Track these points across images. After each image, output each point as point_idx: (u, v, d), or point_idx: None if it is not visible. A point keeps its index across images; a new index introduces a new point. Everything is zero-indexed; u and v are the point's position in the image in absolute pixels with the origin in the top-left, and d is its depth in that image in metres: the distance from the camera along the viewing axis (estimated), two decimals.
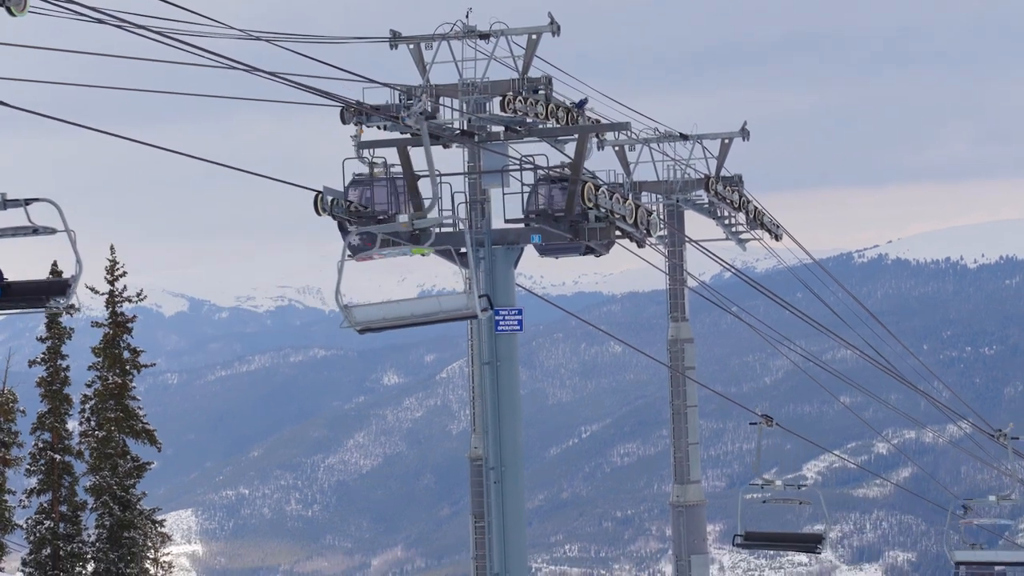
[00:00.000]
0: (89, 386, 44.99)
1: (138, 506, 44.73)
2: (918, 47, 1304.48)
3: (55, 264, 44.84)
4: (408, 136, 25.12)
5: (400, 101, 25.95)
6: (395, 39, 26.61)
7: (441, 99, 26.48)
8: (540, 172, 24.76)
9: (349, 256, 18.60)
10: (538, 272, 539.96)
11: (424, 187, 25.21)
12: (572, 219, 24.29)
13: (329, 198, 24.44)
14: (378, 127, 25.84)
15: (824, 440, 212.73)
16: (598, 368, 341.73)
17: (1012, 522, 45.63)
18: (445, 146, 25.45)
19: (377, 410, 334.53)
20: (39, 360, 44.67)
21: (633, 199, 25.01)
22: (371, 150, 25.33)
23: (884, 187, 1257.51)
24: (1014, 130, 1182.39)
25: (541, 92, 26.59)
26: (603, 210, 24.05)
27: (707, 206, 39.18)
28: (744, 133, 38.78)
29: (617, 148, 37.10)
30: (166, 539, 48.27)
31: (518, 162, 24.81)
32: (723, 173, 38.68)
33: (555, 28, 26.44)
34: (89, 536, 44.38)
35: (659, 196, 38.02)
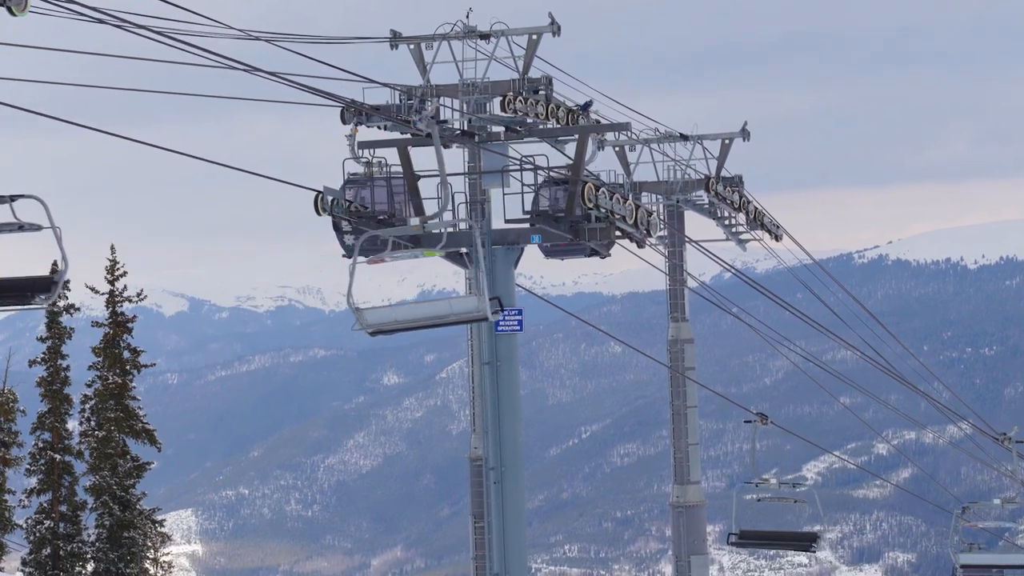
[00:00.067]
0: (89, 386, 45.00)
1: (138, 506, 44.73)
2: (918, 47, 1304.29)
3: (55, 264, 44.88)
4: (408, 136, 25.12)
5: (400, 101, 25.95)
6: (395, 39, 26.61)
7: (441, 99, 26.48)
8: (546, 173, 24.75)
9: (361, 260, 18.62)
10: (538, 272, 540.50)
11: (424, 187, 25.21)
12: (572, 219, 24.29)
13: (329, 198, 24.44)
14: (378, 127, 25.85)
15: (824, 441, 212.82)
16: (598, 368, 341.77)
17: (1014, 524, 45.48)
18: (445, 146, 25.44)
19: (377, 410, 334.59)
20: (39, 360, 44.68)
21: (633, 199, 24.99)
22: (372, 150, 25.31)
23: (884, 187, 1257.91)
24: (1014, 130, 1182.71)
25: (541, 92, 26.59)
26: (603, 210, 24.05)
27: (707, 206, 39.18)
28: (744, 133, 38.79)
29: (617, 148, 37.10)
30: (166, 539, 48.26)
31: (518, 162, 24.81)
32: (723, 173, 38.68)
33: (555, 28, 26.44)
34: (89, 536, 44.38)
35: (659, 196, 38.01)
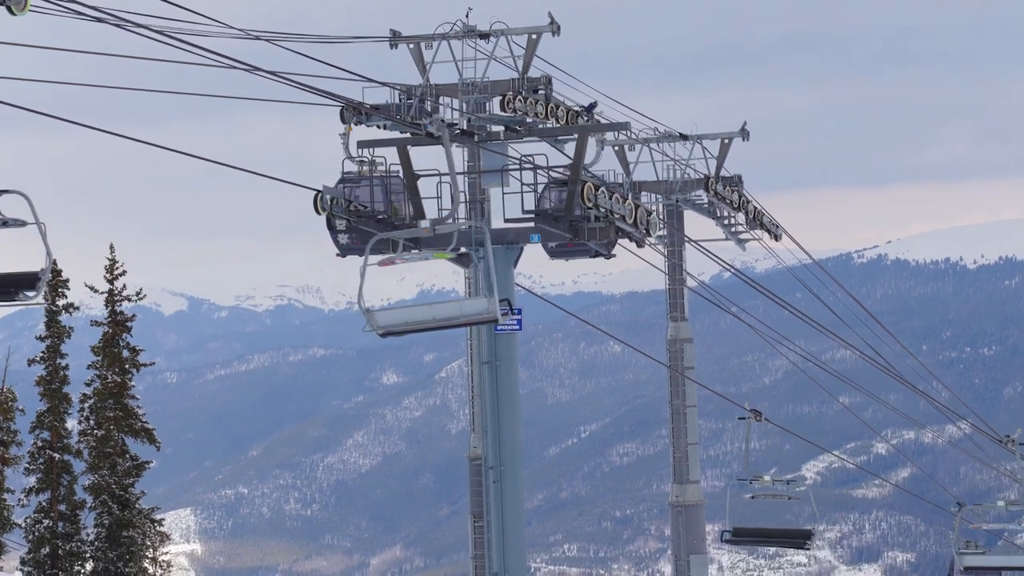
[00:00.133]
0: (88, 385, 45.00)
1: (137, 505, 44.72)
2: (918, 47, 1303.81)
3: (54, 263, 44.89)
4: (408, 136, 25.11)
5: (400, 101, 25.95)
6: (395, 39, 26.62)
7: (441, 99, 26.49)
8: (546, 173, 24.76)
9: (372, 262, 18.72)
10: (537, 272, 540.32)
11: (423, 187, 25.18)
12: (572, 219, 24.30)
13: (328, 197, 24.44)
14: (378, 126, 25.85)
15: (823, 440, 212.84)
16: (597, 368, 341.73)
17: (1019, 527, 45.32)
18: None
19: (376, 409, 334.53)
20: (38, 359, 44.68)
21: (633, 199, 24.98)
22: (372, 149, 25.30)
23: (884, 187, 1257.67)
24: (1014, 130, 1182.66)
25: (541, 92, 26.60)
26: (603, 210, 24.05)
27: (707, 206, 39.19)
28: (744, 133, 38.81)
29: (617, 148, 37.10)
30: (165, 538, 48.25)
31: (518, 162, 24.81)
32: (723, 173, 38.69)
33: (555, 28, 26.46)
34: (88, 535, 44.38)
35: (659, 196, 38.01)
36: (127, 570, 44.00)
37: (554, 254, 26.29)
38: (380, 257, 19.69)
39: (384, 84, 25.09)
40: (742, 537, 36.05)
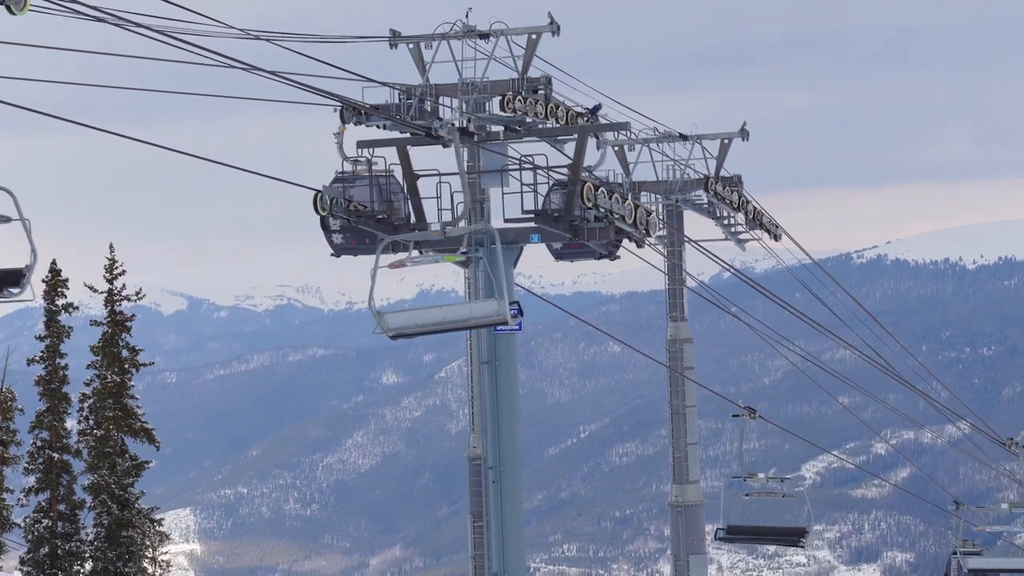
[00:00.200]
0: (88, 385, 45.00)
1: (136, 505, 44.72)
2: (918, 47, 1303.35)
3: (54, 262, 44.91)
4: (408, 136, 25.11)
5: (400, 101, 25.96)
6: (395, 39, 26.61)
7: (441, 99, 26.49)
8: (546, 173, 24.77)
9: (383, 264, 18.79)
10: (537, 272, 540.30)
11: (423, 188, 25.19)
12: (571, 219, 24.29)
13: (328, 197, 24.44)
14: (378, 126, 25.86)
15: (823, 440, 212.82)
16: (597, 368, 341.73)
17: (1018, 528, 45.44)
18: (444, 145, 25.45)
19: (376, 409, 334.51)
20: (38, 358, 44.67)
21: (632, 199, 24.98)
22: (371, 149, 25.30)
23: (884, 187, 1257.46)
24: (1014, 130, 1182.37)
25: (540, 92, 26.61)
26: (602, 210, 24.05)
27: (706, 206, 39.18)
28: (743, 133, 38.80)
29: (616, 148, 37.08)
30: (164, 538, 48.26)
31: (517, 162, 24.81)
32: (722, 173, 38.69)
33: (555, 28, 26.46)
34: (87, 535, 44.38)
35: (658, 196, 38.00)
36: (126, 570, 43.99)
37: (559, 256, 26.32)
38: (390, 260, 19.79)
39: (384, 84, 25.10)
40: (736, 535, 36.10)
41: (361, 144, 24.86)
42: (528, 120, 26.26)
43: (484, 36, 26.28)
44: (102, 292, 45.06)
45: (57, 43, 17.38)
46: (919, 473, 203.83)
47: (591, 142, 24.66)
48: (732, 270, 35.77)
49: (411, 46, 26.50)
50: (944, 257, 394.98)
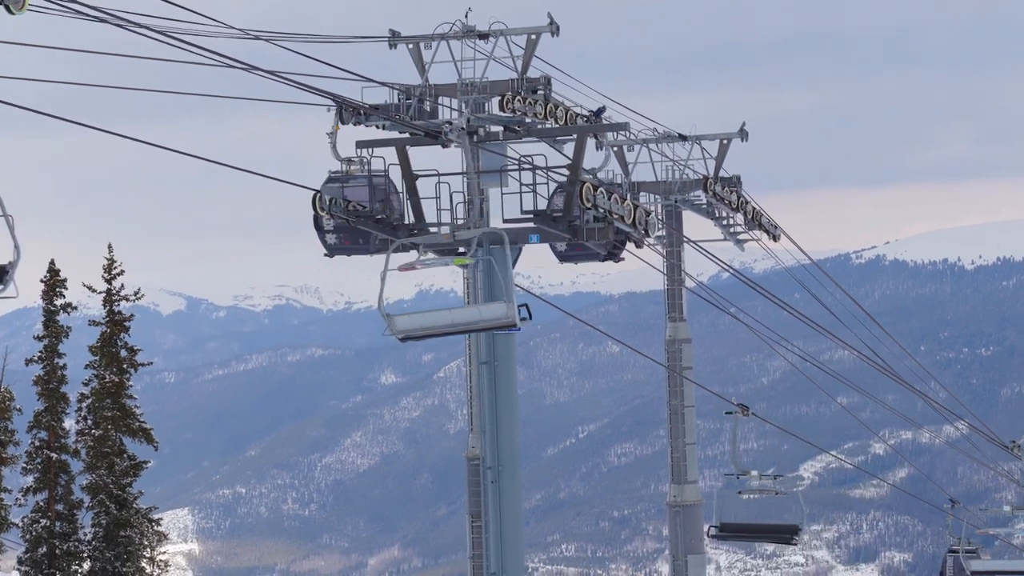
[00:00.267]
0: (86, 384, 45.00)
1: (134, 505, 44.72)
2: (918, 47, 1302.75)
3: (52, 262, 44.90)
4: (407, 136, 25.10)
5: (399, 101, 25.94)
6: (394, 39, 26.60)
7: (440, 99, 26.48)
8: (545, 174, 24.76)
9: (393, 267, 18.83)
10: (536, 272, 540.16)
11: (423, 189, 25.19)
12: (571, 219, 24.29)
13: (328, 197, 24.43)
14: (376, 126, 25.85)
15: (821, 440, 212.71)
16: (596, 368, 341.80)
17: (1013, 529, 45.63)
18: (444, 146, 25.46)
19: (374, 409, 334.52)
20: (36, 358, 44.67)
21: (631, 199, 24.98)
22: (370, 149, 25.29)
23: (884, 187, 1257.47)
24: (1014, 130, 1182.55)
25: (540, 92, 26.59)
26: (601, 210, 24.05)
27: (705, 207, 39.19)
28: (742, 134, 38.82)
29: (616, 148, 37.08)
30: (162, 538, 48.25)
31: (517, 162, 24.81)
32: (721, 174, 38.70)
33: (554, 28, 26.44)
34: (85, 535, 44.38)
35: (657, 196, 38.02)
36: (124, 570, 43.99)
37: (563, 258, 26.31)
38: (401, 262, 19.84)
39: (383, 84, 25.09)
40: (729, 532, 36.13)
41: (360, 144, 24.86)
42: (527, 120, 26.24)
43: (483, 36, 26.27)
44: (100, 292, 45.07)
45: (57, 43, 17.39)
46: (917, 473, 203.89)
47: (590, 143, 24.66)
48: (731, 270, 35.78)
49: (410, 46, 26.49)
50: (943, 257, 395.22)
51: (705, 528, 37.37)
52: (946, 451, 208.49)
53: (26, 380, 45.36)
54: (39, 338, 44.90)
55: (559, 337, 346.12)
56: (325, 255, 25.22)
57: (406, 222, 24.86)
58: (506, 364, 25.45)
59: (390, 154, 24.98)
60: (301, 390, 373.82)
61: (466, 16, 26.22)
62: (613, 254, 25.56)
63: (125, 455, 44.69)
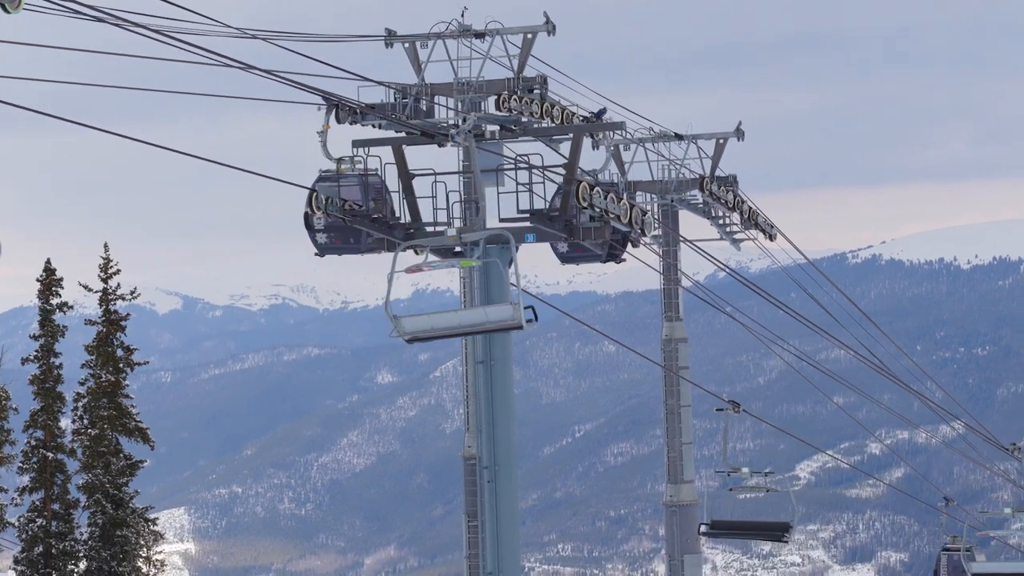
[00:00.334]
0: (82, 384, 44.97)
1: (131, 504, 44.69)
2: (918, 47, 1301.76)
3: (48, 262, 44.88)
4: (403, 135, 25.10)
5: (395, 100, 25.94)
6: (390, 38, 26.60)
7: (436, 98, 26.48)
8: (541, 174, 24.75)
9: (402, 270, 18.92)
10: (532, 271, 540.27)
11: (421, 188, 25.17)
12: (567, 219, 24.29)
13: (324, 196, 24.42)
14: (373, 125, 25.84)
15: (817, 440, 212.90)
16: (592, 367, 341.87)
17: (1009, 531, 45.57)
18: (440, 145, 25.46)
19: (371, 409, 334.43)
20: (32, 358, 44.62)
21: (628, 199, 24.98)
22: (368, 149, 25.28)
23: (883, 187, 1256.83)
24: (1014, 130, 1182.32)
25: (536, 91, 26.59)
26: (598, 210, 24.05)
27: (702, 206, 39.22)
28: (739, 133, 38.82)
29: (612, 148, 37.07)
30: (159, 537, 48.19)
31: (513, 161, 24.81)
32: (718, 173, 38.72)
33: (550, 27, 26.45)
34: (81, 534, 44.34)
35: (654, 196, 38.03)
36: (121, 569, 43.96)
37: (565, 259, 26.31)
38: (408, 264, 19.89)
39: (379, 83, 25.09)
40: (719, 529, 36.17)
41: (356, 143, 24.85)
42: (524, 120, 26.25)
43: (480, 35, 26.28)
44: (97, 291, 45.04)
45: (56, 43, 17.39)
46: (913, 473, 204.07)
47: (586, 142, 24.66)
48: (727, 270, 35.79)
49: (407, 45, 26.50)
50: (939, 257, 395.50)
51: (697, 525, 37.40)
52: (942, 451, 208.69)
53: (22, 379, 45.33)
54: (35, 337, 44.86)
55: (555, 336, 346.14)
56: (316, 254, 25.20)
57: (402, 221, 24.85)
58: (502, 363, 25.44)
59: (386, 153, 24.98)
60: (297, 389, 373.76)
61: (462, 15, 26.25)
62: (614, 255, 25.56)
63: (121, 454, 44.66)
